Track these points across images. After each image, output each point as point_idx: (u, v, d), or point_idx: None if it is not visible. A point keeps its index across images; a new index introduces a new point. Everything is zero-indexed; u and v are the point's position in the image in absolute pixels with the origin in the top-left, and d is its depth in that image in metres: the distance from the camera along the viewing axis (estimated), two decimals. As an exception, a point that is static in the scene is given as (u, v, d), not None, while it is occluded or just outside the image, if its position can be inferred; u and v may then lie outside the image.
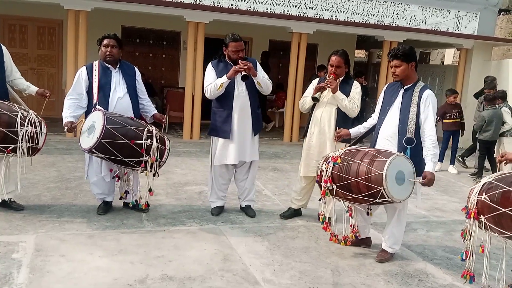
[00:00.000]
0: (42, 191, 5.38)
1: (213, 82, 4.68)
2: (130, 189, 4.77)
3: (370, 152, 3.81)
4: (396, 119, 3.98)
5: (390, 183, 3.61)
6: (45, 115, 4.64)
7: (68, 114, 4.48)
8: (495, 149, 8.14)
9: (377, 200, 3.72)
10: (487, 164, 8.18)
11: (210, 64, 4.83)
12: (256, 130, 4.87)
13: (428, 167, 3.79)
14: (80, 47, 8.66)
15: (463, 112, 8.70)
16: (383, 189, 3.60)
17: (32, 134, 4.33)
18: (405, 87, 4.02)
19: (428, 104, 3.88)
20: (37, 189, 5.42)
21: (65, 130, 4.48)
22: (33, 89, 4.88)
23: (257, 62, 4.88)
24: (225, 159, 4.80)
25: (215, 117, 4.85)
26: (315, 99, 4.65)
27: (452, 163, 8.62)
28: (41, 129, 4.45)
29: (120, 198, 4.84)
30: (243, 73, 4.55)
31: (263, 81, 4.72)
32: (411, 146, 3.85)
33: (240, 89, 4.72)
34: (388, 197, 3.63)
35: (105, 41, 4.58)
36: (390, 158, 3.64)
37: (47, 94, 4.86)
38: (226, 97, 4.73)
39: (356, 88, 4.74)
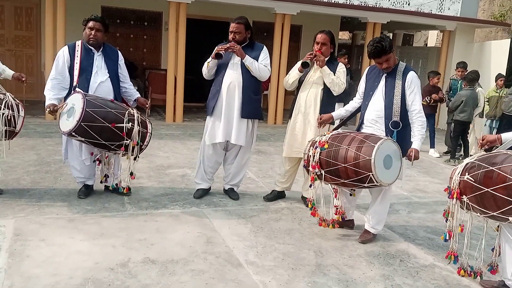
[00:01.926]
0: (21, 174, 5.28)
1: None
2: (111, 173, 4.71)
3: (357, 137, 3.80)
4: (381, 103, 3.96)
5: (378, 168, 3.63)
6: (24, 98, 4.53)
7: (51, 96, 4.36)
8: (469, 130, 8.26)
9: (365, 185, 3.74)
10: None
11: (217, 46, 4.76)
12: (245, 113, 4.69)
13: (415, 145, 3.84)
14: (59, 28, 8.45)
15: (443, 95, 8.70)
16: (372, 174, 3.61)
17: (9, 117, 4.23)
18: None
19: (413, 87, 3.89)
20: (16, 172, 5.32)
21: (46, 111, 4.37)
22: (8, 72, 4.75)
23: (264, 49, 4.77)
24: (215, 138, 4.74)
25: (209, 95, 4.81)
26: (306, 65, 4.58)
27: (432, 146, 8.67)
28: (18, 112, 4.34)
29: (101, 182, 4.77)
30: (219, 52, 4.52)
31: (253, 65, 4.61)
32: (397, 130, 3.85)
33: (234, 68, 4.65)
34: (377, 182, 3.65)
35: (90, 23, 4.43)
36: (378, 143, 3.64)
37: (23, 78, 4.74)
38: (219, 75, 4.72)
39: (341, 68, 4.70)
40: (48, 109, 4.32)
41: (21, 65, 10.46)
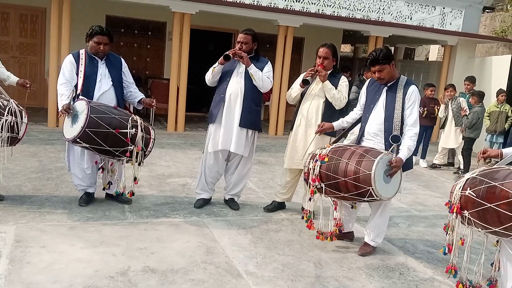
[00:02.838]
0: (23, 181, 5.30)
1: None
2: (115, 180, 4.73)
3: (357, 151, 3.80)
4: (381, 116, 3.98)
5: (378, 182, 3.64)
6: (27, 105, 4.55)
7: (65, 97, 4.33)
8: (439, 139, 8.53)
9: (365, 199, 3.75)
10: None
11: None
12: (244, 123, 4.71)
13: (401, 154, 3.80)
14: (64, 36, 8.51)
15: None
16: (372, 188, 3.62)
17: (12, 124, 4.25)
18: (388, 85, 4.02)
19: (413, 100, 3.90)
20: (17, 179, 5.34)
21: (60, 111, 4.28)
22: (13, 79, 4.79)
23: (269, 63, 4.82)
24: (217, 145, 4.76)
25: (212, 103, 4.84)
26: (306, 82, 4.63)
27: (423, 157, 8.70)
28: (21, 119, 4.37)
29: (103, 189, 4.79)
30: (227, 53, 4.57)
31: (257, 74, 4.64)
32: (397, 144, 3.86)
33: (237, 77, 4.70)
34: (377, 196, 3.66)
35: (98, 39, 4.45)
36: (378, 157, 3.66)
37: (28, 85, 4.77)
38: (223, 83, 4.75)
39: (343, 82, 4.73)
40: (61, 108, 4.24)
41: (25, 72, 10.51)
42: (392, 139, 3.88)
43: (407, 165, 3.93)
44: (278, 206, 5.06)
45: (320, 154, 3.94)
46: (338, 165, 3.79)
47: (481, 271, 3.42)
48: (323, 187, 3.87)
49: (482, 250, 3.41)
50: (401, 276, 3.77)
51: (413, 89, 3.92)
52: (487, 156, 3.43)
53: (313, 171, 3.90)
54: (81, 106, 4.19)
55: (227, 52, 4.61)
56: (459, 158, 8.29)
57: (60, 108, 4.31)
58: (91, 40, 4.47)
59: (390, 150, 3.82)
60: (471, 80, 8.67)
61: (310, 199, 4.07)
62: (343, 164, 3.76)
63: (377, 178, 3.62)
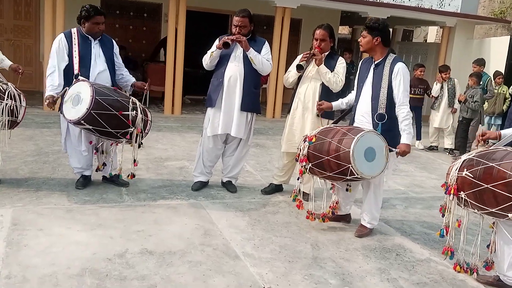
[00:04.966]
0: (19, 164, 5.28)
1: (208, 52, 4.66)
2: (109, 161, 4.73)
3: (341, 130, 3.83)
4: (369, 95, 3.97)
5: (358, 160, 3.63)
6: (22, 88, 4.52)
7: (52, 88, 4.34)
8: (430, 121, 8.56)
9: (348, 177, 3.75)
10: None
11: (218, 37, 4.75)
12: (245, 106, 4.67)
13: (403, 139, 3.83)
14: (58, 18, 8.41)
15: (430, 89, 8.67)
16: (351, 166, 3.62)
17: (11, 108, 4.23)
18: (375, 62, 4.00)
19: (399, 78, 3.85)
20: (14, 162, 5.32)
21: (45, 103, 4.35)
22: (7, 63, 4.75)
23: (266, 43, 4.77)
24: (217, 129, 4.73)
25: (210, 87, 4.79)
26: (300, 67, 4.57)
27: (418, 138, 8.65)
28: (20, 102, 4.35)
29: (97, 170, 4.77)
30: (227, 40, 4.48)
31: (257, 58, 4.59)
32: (382, 122, 3.85)
33: (236, 61, 4.63)
34: (357, 174, 3.66)
35: (97, 19, 4.40)
36: (358, 135, 3.66)
37: (20, 70, 4.73)
38: (220, 67, 4.68)
39: (341, 63, 4.66)
40: (47, 101, 4.30)
41: (20, 55, 10.42)
42: (377, 117, 3.87)
43: (394, 144, 3.88)
44: (275, 189, 5.07)
45: (309, 135, 3.96)
46: (323, 144, 3.82)
47: (478, 253, 3.45)
48: (311, 167, 3.88)
49: (479, 231, 3.43)
50: (397, 257, 3.79)
51: (399, 66, 3.87)
52: (486, 138, 3.42)
53: (302, 152, 3.91)
54: (83, 87, 4.15)
55: (226, 39, 4.50)
56: (447, 139, 8.31)
57: (46, 94, 4.33)
58: (88, 21, 4.40)
59: (375, 128, 3.83)
60: (479, 62, 8.57)
61: (298, 179, 4.10)
62: (327, 143, 3.80)
63: (356, 156, 3.62)
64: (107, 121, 4.15)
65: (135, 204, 4.39)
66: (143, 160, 5.81)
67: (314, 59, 4.57)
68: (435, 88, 8.40)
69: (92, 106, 4.04)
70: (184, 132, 7.94)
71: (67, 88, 4.27)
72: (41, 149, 6.02)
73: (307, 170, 3.93)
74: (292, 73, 4.74)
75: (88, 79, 4.37)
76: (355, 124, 4.06)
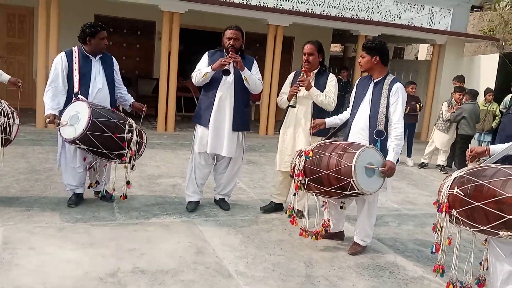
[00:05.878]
0: (10, 182, 5.24)
1: (201, 69, 4.64)
2: (102, 180, 4.73)
3: (340, 145, 3.85)
4: (367, 112, 4.02)
5: (359, 175, 3.65)
6: (15, 105, 4.51)
7: (52, 106, 4.34)
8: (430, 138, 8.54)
9: (347, 193, 3.75)
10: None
11: (207, 52, 4.78)
12: (236, 127, 4.69)
13: (390, 157, 3.85)
14: (52, 36, 8.45)
15: (422, 105, 8.71)
16: (352, 181, 3.63)
17: (5, 125, 4.22)
18: (375, 81, 4.06)
19: (397, 97, 3.93)
20: (5, 180, 5.28)
21: (46, 121, 4.32)
22: (5, 77, 4.75)
23: (255, 62, 4.81)
24: (204, 147, 4.73)
25: (199, 104, 4.80)
26: (292, 107, 4.61)
27: (409, 155, 8.70)
28: (13, 120, 4.34)
29: (89, 187, 4.75)
30: (226, 67, 4.47)
31: (251, 78, 4.62)
32: (381, 139, 3.90)
33: (227, 80, 4.62)
34: (358, 189, 3.67)
35: (102, 34, 4.46)
36: (359, 150, 3.68)
37: (19, 84, 4.74)
38: (212, 86, 4.66)
39: (331, 81, 4.68)
40: (48, 119, 4.28)
41: (13, 72, 10.32)
42: (376, 134, 3.92)
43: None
44: (275, 207, 5.03)
45: (305, 150, 3.98)
46: (321, 158, 3.83)
47: (471, 270, 3.45)
48: (307, 182, 3.89)
49: (471, 248, 3.43)
50: (391, 275, 3.79)
51: (397, 86, 3.96)
52: (473, 154, 3.45)
53: (298, 167, 3.92)
54: (82, 107, 4.18)
55: (226, 67, 4.47)
56: (441, 156, 8.36)
57: (46, 113, 4.33)
58: (95, 37, 4.43)
59: (373, 144, 3.87)
60: (459, 79, 8.71)
61: (294, 194, 4.08)
62: (326, 158, 3.80)
63: (358, 171, 3.63)
64: (102, 142, 4.17)
65: (127, 222, 4.37)
66: (136, 177, 5.79)
67: (301, 84, 4.51)
68: (445, 109, 8.22)
69: (88, 127, 4.05)
70: (177, 149, 7.94)
71: (66, 106, 4.29)
72: (33, 166, 5.99)
73: (304, 185, 3.93)
74: (284, 100, 4.74)
75: (87, 96, 4.39)
76: (349, 141, 4.09)
